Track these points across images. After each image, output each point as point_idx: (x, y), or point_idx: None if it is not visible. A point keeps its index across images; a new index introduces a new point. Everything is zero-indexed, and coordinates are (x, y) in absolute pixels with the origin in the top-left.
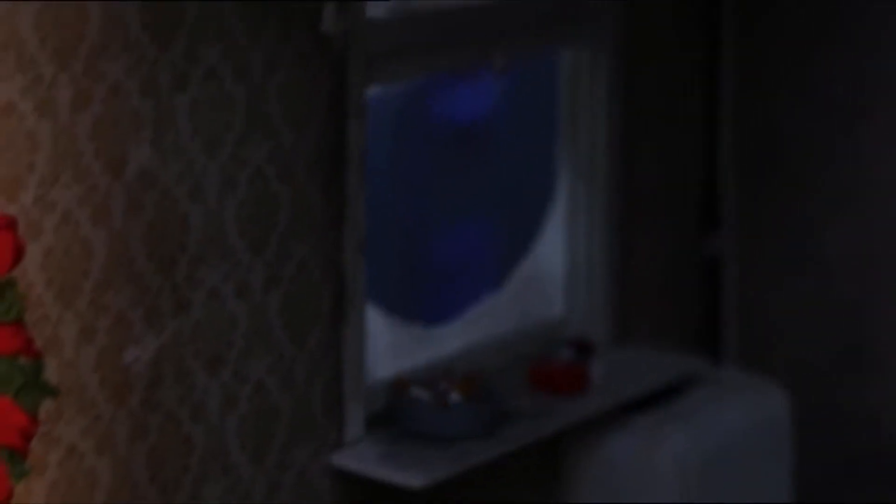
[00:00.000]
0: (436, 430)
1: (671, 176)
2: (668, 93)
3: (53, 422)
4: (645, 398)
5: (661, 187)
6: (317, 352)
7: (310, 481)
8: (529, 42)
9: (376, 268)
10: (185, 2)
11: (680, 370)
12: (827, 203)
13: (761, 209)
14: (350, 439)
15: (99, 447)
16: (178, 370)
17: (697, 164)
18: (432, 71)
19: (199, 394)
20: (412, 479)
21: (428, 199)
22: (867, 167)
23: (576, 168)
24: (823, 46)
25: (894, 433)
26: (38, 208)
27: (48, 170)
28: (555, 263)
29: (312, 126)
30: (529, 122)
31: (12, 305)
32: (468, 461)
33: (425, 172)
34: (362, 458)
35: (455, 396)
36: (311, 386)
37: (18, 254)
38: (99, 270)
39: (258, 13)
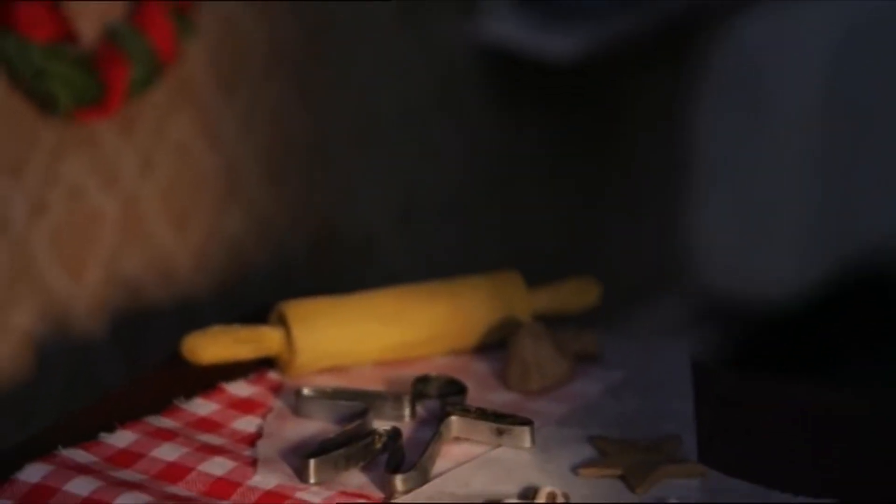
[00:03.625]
0: None
1: None
2: None
3: None
4: None
5: None
6: None
7: (451, 53)
8: None
9: None
10: None
11: None
12: None
13: None
14: (492, 8)
15: (256, 17)
16: None
17: None
18: None
19: None
20: (558, 47)
21: None
22: None
23: None
24: None
25: None
26: None
27: None
28: None
29: None
30: None
31: None
32: (615, 29)
33: None
34: (505, 28)
35: None
36: None
37: None
38: None
39: None
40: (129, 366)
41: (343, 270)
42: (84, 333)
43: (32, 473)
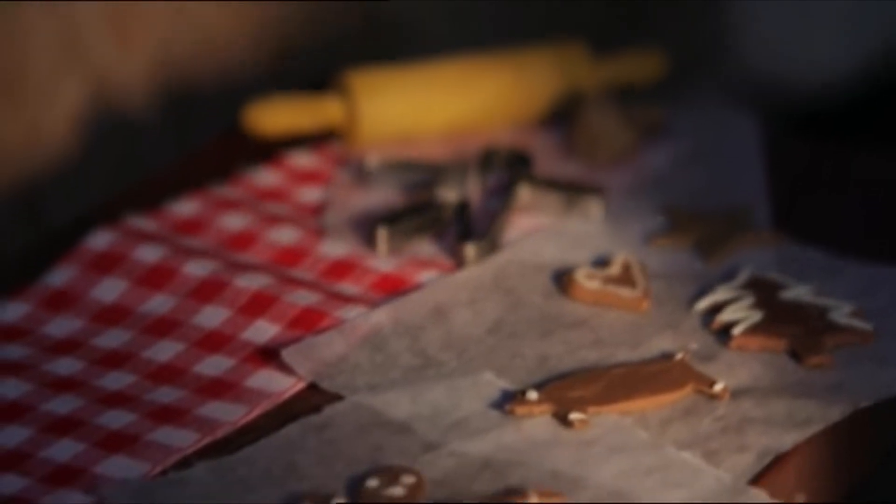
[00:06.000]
0: None
1: None
2: None
3: None
4: None
5: None
6: None
7: None
8: None
9: None
10: None
11: None
12: None
13: None
14: None
15: None
16: None
17: None
18: None
19: None
20: None
21: None
22: None
23: None
24: None
25: None
26: None
27: None
28: None
29: None
30: None
31: None
32: None
33: None
34: None
35: None
36: None
37: None
38: None
39: None
40: (179, 146)
41: (388, 55)
42: (133, 112)
43: (100, 240)
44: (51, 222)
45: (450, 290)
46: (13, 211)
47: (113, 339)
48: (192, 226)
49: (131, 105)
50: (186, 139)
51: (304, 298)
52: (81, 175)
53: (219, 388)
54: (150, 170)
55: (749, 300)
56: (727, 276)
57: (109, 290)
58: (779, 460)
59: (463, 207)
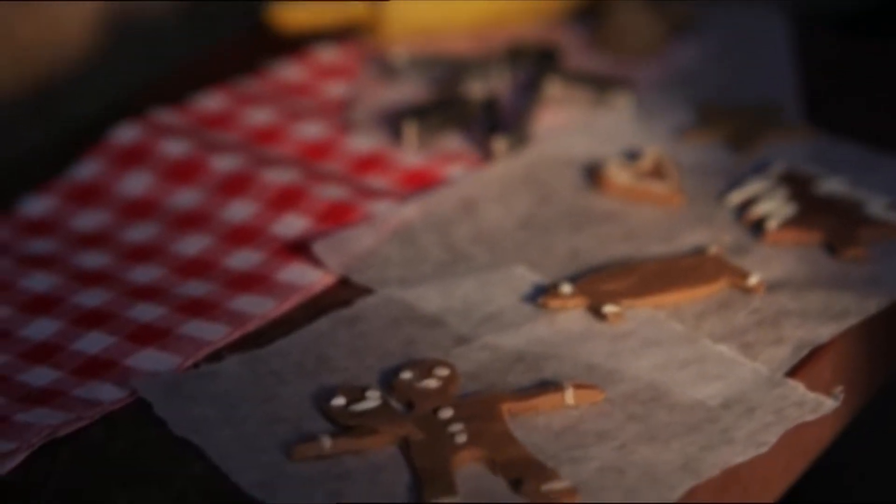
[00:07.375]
0: None
1: None
2: None
3: None
4: None
5: None
6: None
7: None
8: None
9: None
10: None
11: None
12: None
13: None
14: None
15: None
16: None
17: None
18: None
19: None
20: None
21: None
22: None
23: None
24: None
25: None
26: None
27: None
28: None
29: None
30: None
31: None
32: None
33: None
34: None
35: None
36: None
37: None
38: None
39: None
40: (201, 45)
41: None
42: (154, 10)
43: (125, 133)
44: (73, 120)
45: (479, 184)
46: (35, 109)
47: (140, 232)
48: (217, 120)
49: (152, 2)
50: (209, 38)
51: (332, 192)
52: (102, 74)
53: (248, 281)
54: (172, 67)
55: (783, 193)
56: (759, 170)
57: (136, 183)
58: (815, 353)
59: (491, 102)
